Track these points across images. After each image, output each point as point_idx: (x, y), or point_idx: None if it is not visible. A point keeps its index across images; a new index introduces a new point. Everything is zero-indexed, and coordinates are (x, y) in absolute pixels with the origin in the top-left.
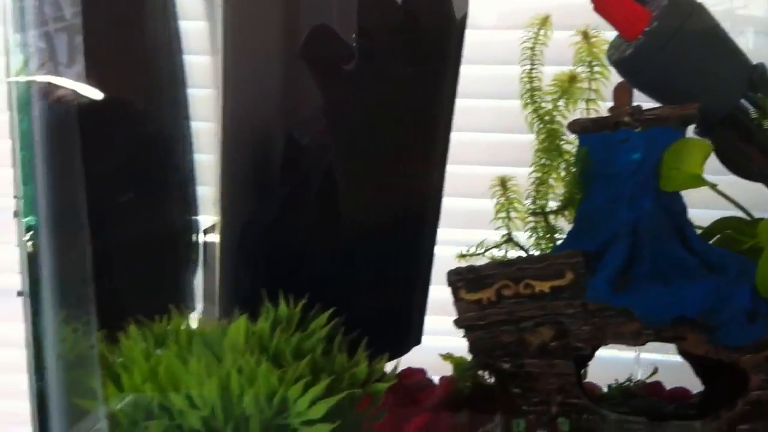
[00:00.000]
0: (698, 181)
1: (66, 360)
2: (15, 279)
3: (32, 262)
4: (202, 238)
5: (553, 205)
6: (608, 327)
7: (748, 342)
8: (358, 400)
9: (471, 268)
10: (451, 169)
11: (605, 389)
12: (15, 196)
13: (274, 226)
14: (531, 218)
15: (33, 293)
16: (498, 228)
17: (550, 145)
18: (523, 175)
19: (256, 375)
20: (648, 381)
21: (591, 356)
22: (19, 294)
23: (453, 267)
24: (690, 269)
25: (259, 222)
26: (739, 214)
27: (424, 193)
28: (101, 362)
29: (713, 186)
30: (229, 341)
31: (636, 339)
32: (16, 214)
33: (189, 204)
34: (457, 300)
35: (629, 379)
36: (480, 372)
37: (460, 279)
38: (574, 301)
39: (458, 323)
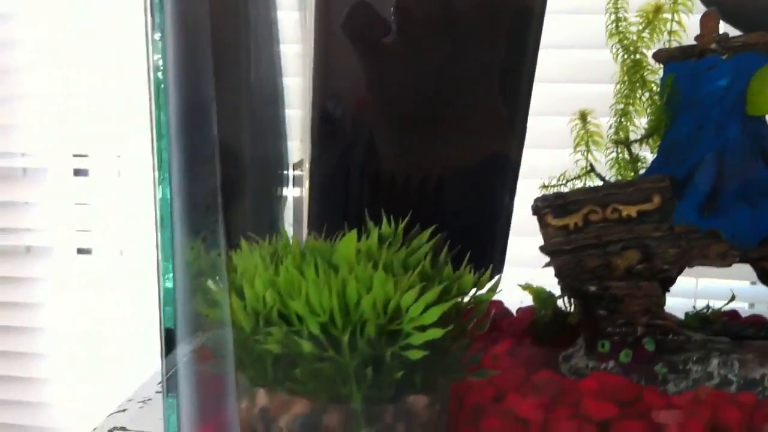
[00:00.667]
0: None
1: (192, 267)
2: None
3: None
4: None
5: (633, 137)
6: (694, 249)
7: None
8: (464, 310)
9: (558, 195)
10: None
11: (682, 317)
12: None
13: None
14: (612, 148)
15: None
16: (577, 161)
17: (633, 77)
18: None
19: (371, 282)
20: (725, 309)
21: (674, 280)
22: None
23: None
24: None
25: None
26: None
27: (505, 136)
28: (226, 272)
29: None
30: (340, 255)
31: (722, 260)
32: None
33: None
34: (544, 226)
35: (707, 306)
36: (558, 302)
37: (547, 205)
38: (661, 224)
39: (544, 249)
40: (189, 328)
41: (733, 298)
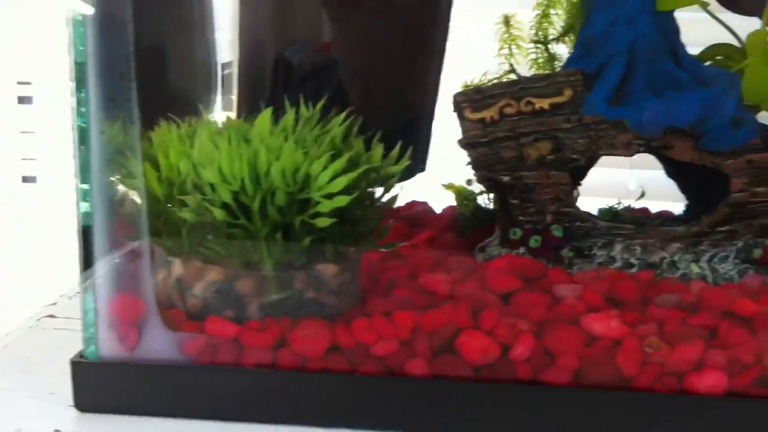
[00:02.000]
0: (691, 0)
1: (107, 137)
2: None
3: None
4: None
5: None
6: (602, 139)
7: (732, 147)
8: (373, 182)
9: (476, 89)
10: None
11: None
12: None
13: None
14: (532, 48)
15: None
16: (500, 64)
17: None
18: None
19: (281, 152)
20: (637, 206)
21: (585, 171)
22: None
23: None
24: (681, 83)
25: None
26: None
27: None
28: (141, 145)
29: (705, 5)
30: (255, 130)
31: (627, 149)
32: None
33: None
34: (462, 120)
35: (619, 202)
36: (479, 200)
37: (465, 99)
38: (572, 116)
39: (462, 141)
40: (106, 223)
41: (642, 195)
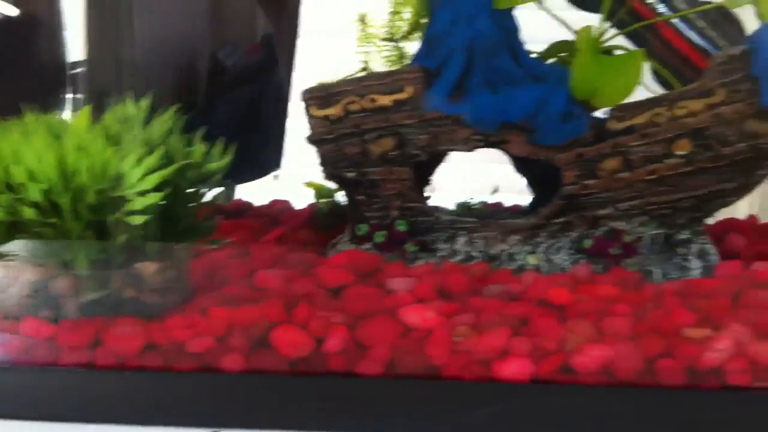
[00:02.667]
0: None
1: None
2: None
3: None
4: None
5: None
6: (442, 134)
7: (562, 141)
8: (195, 180)
9: (321, 86)
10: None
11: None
12: None
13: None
14: (384, 46)
15: None
16: (360, 61)
17: None
18: None
19: (92, 150)
20: (491, 201)
21: (434, 169)
22: None
23: None
24: (517, 79)
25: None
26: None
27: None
28: None
29: (540, 2)
30: (72, 127)
31: (466, 144)
32: None
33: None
34: (310, 117)
35: (471, 198)
36: (337, 197)
37: (311, 97)
38: (414, 112)
39: (310, 138)
40: None
41: (496, 190)
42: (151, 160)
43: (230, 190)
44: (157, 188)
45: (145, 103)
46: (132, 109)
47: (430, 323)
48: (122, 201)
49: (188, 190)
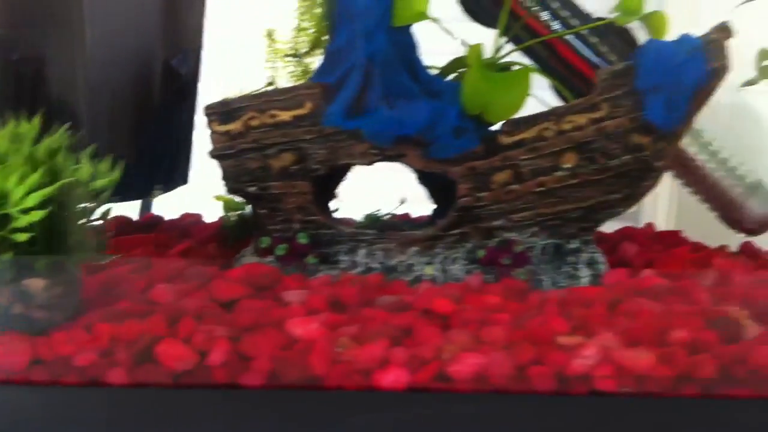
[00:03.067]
0: (423, 17)
1: None
2: None
3: None
4: None
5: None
6: (341, 149)
7: (456, 155)
8: (83, 199)
9: (223, 102)
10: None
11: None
12: None
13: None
14: (289, 61)
15: None
16: (268, 77)
17: None
18: None
19: None
20: (399, 212)
21: (338, 182)
22: None
23: None
24: (413, 95)
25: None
26: None
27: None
28: None
29: (435, 20)
30: None
31: (364, 158)
32: None
33: None
34: (212, 132)
35: (378, 210)
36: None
37: (213, 112)
38: (313, 127)
39: (212, 153)
40: None
41: (403, 201)
42: (35, 178)
43: (148, 203)
44: (41, 205)
45: (36, 120)
46: (24, 126)
47: (313, 334)
48: (7, 217)
49: (77, 207)
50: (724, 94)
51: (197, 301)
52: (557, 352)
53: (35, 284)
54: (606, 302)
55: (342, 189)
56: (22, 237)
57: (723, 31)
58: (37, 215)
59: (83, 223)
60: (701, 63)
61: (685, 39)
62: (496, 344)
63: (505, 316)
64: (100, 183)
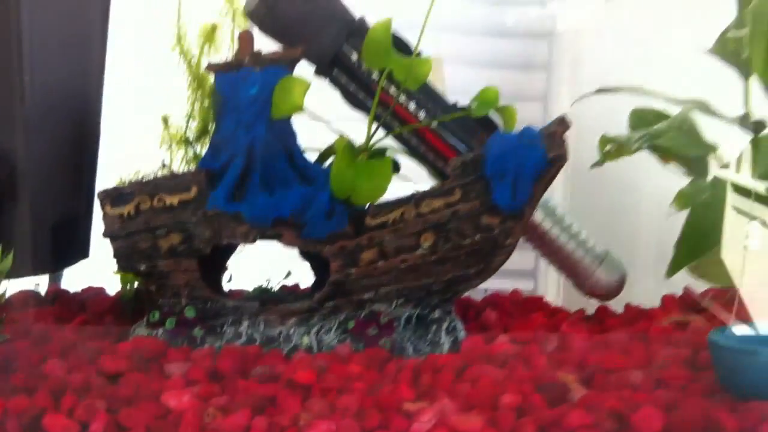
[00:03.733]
0: (299, 109)
1: None
2: None
3: None
4: None
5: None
6: (224, 230)
7: (327, 235)
8: None
9: (115, 187)
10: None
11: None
12: None
13: None
14: (181, 146)
15: None
16: (162, 160)
17: (194, 85)
18: None
19: None
20: (288, 284)
21: (228, 257)
22: None
23: None
24: (290, 181)
25: None
26: None
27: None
28: None
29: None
30: None
31: (245, 238)
32: None
33: None
34: (105, 215)
35: (267, 281)
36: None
37: (106, 196)
38: (198, 210)
39: (105, 234)
40: None
41: (289, 274)
42: None
43: (57, 276)
44: None
45: None
46: None
47: (185, 405)
48: None
49: None
50: None
51: (83, 375)
52: (401, 418)
53: None
54: (454, 369)
55: (240, 259)
56: None
57: (561, 123)
58: None
59: None
60: (540, 152)
61: (525, 131)
62: (348, 411)
63: (361, 384)
64: None
